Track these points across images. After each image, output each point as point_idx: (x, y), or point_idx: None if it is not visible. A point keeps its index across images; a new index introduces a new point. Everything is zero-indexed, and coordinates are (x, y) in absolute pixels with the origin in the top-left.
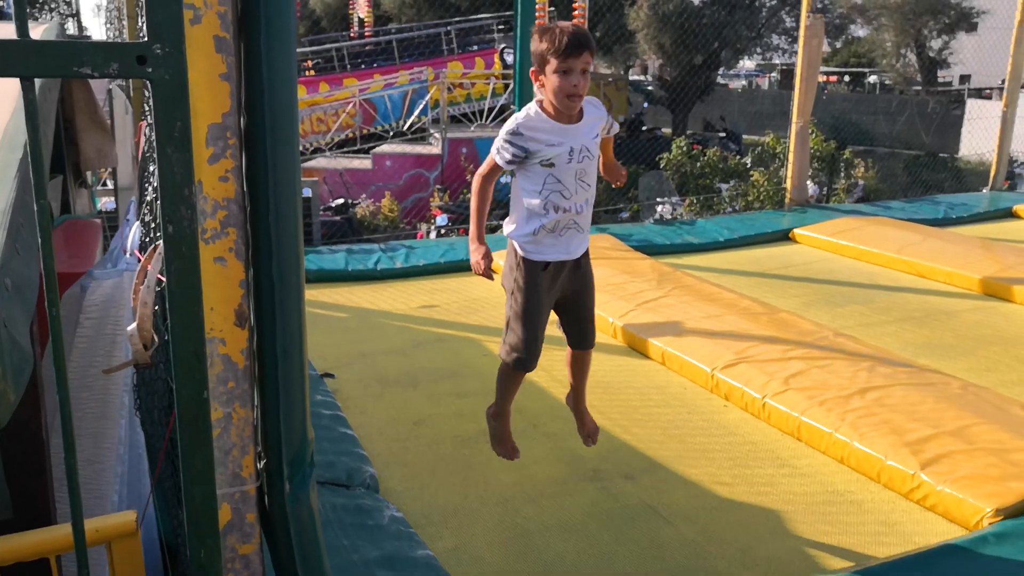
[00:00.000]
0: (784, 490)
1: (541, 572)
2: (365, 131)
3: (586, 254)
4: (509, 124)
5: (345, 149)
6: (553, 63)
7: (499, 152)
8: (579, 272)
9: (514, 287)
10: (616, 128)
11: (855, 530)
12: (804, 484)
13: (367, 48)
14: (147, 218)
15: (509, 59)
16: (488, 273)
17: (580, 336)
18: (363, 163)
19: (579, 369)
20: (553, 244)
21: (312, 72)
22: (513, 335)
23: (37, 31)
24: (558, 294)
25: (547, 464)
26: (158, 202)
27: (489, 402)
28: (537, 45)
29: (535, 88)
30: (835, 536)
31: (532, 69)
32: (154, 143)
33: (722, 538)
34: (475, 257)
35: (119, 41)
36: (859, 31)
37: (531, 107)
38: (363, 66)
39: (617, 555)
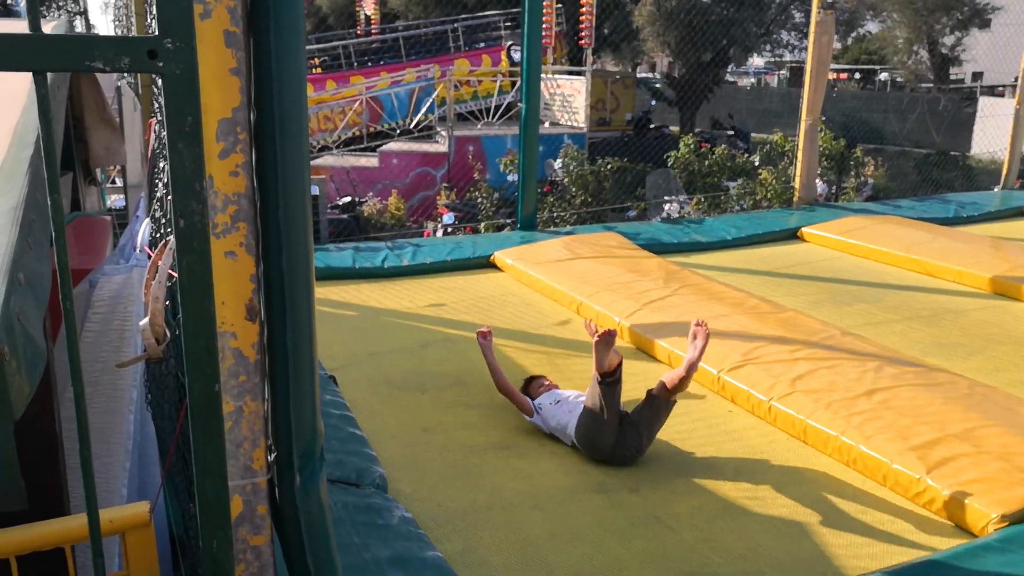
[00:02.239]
0: (788, 498)
1: None
2: (372, 129)
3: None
4: None
5: (352, 147)
6: None
7: None
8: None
9: None
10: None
11: (860, 538)
12: (808, 491)
13: (374, 46)
14: (157, 214)
15: (516, 56)
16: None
17: None
18: (370, 161)
19: None
20: None
21: (319, 70)
22: None
23: (47, 28)
24: None
25: (554, 476)
26: (169, 197)
27: (495, 414)
28: None
29: None
30: (839, 543)
31: None
32: (164, 139)
33: (725, 546)
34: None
35: (131, 36)
36: (871, 27)
37: None
38: (370, 64)
39: (622, 562)
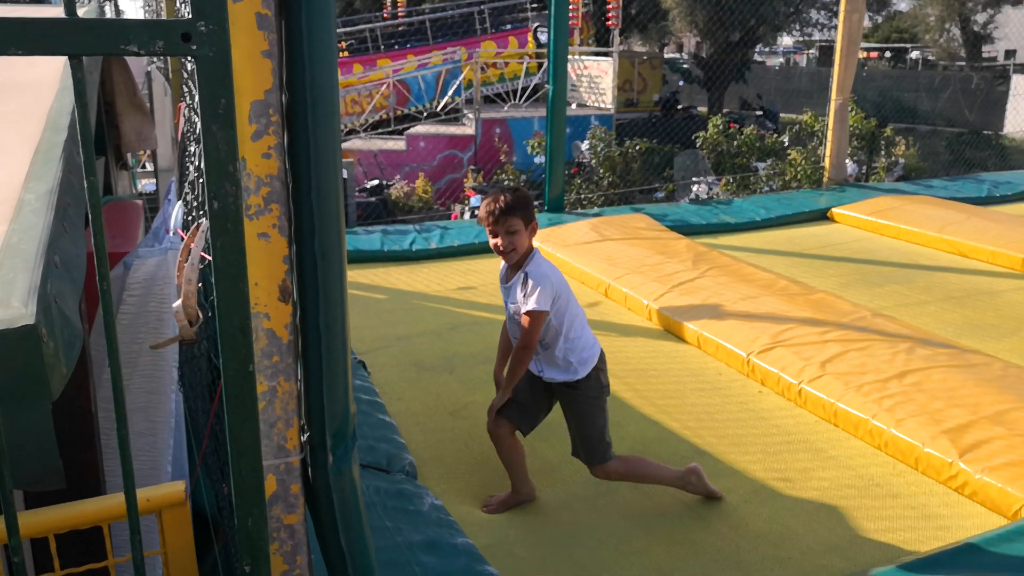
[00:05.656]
0: (818, 482)
1: (574, 570)
2: (399, 112)
3: (565, 387)
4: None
5: (379, 130)
6: (485, 228)
7: None
8: (553, 396)
9: None
10: (522, 312)
11: (892, 522)
12: (839, 475)
13: (400, 28)
14: (189, 197)
15: (543, 38)
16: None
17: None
18: (397, 144)
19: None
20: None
21: (346, 53)
22: None
23: (79, 12)
24: (539, 400)
25: (580, 465)
26: (201, 180)
27: None
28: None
29: None
30: (870, 528)
31: None
32: (195, 123)
33: (755, 533)
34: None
35: (164, 19)
36: (901, 5)
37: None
38: (396, 47)
39: (650, 553)
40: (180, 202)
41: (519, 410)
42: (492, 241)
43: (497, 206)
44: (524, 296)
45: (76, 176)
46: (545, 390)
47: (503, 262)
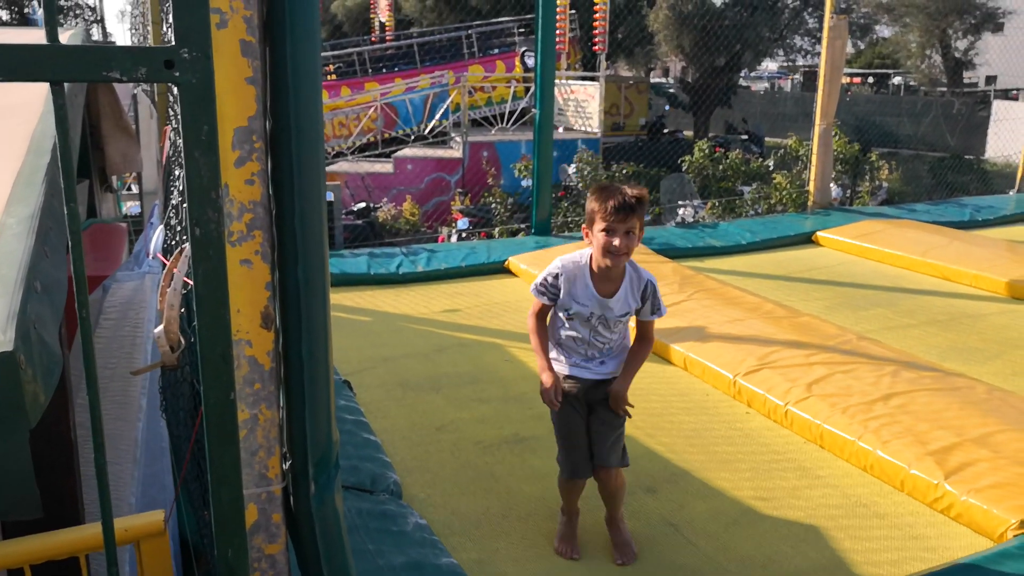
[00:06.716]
0: (806, 502)
1: None
2: (386, 135)
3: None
4: (555, 264)
5: (367, 153)
6: (600, 223)
7: (538, 287)
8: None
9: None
10: (656, 316)
11: (878, 543)
12: (826, 495)
13: (388, 52)
14: (172, 221)
15: (530, 62)
16: (554, 401)
17: (594, 452)
18: (384, 167)
19: (602, 490)
20: (573, 370)
21: (334, 76)
22: (559, 451)
23: (63, 37)
24: (586, 409)
25: None
26: (185, 205)
27: (509, 408)
28: (590, 203)
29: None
30: (858, 550)
31: (583, 225)
32: (180, 147)
33: (742, 555)
34: (545, 384)
35: (147, 46)
36: (883, 32)
37: (584, 257)
38: (384, 70)
39: (637, 575)
40: (161, 226)
41: (584, 457)
42: (605, 239)
43: (625, 199)
44: (652, 304)
45: (59, 200)
46: (587, 410)
47: (566, 270)
